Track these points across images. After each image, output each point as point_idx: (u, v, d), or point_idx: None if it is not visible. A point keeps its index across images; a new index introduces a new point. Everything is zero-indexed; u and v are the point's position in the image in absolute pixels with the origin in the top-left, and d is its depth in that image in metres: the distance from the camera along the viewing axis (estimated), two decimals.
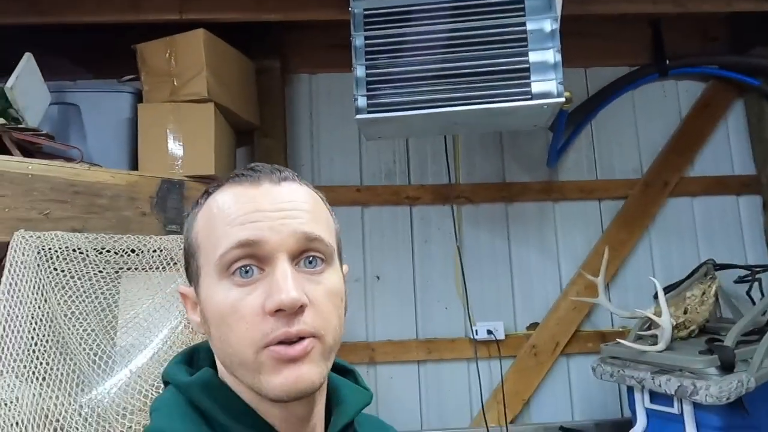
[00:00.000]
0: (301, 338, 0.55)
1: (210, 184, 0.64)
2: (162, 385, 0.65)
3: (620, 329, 2.19)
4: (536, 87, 1.46)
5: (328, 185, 2.24)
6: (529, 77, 1.45)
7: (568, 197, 2.30)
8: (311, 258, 0.58)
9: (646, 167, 2.32)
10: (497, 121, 1.60)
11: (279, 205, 0.58)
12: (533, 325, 2.22)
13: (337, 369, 0.70)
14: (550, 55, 1.47)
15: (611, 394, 2.18)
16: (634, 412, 1.79)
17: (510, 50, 1.47)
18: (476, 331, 2.15)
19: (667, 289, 1.98)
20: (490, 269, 2.25)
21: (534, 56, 1.47)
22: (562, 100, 1.46)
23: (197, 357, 0.65)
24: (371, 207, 2.27)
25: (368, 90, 1.49)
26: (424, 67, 1.50)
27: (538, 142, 2.32)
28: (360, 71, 1.49)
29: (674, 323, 1.74)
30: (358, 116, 1.48)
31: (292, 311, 0.54)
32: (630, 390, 1.81)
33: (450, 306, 2.22)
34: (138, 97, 1.84)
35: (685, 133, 2.33)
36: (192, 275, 0.62)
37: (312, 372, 0.55)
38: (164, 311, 1.44)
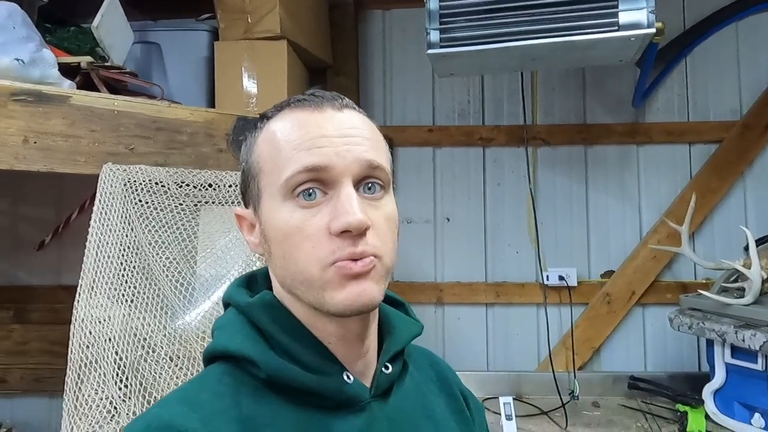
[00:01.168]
0: (364, 258, 0.57)
1: (269, 109, 0.64)
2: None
3: (703, 281, 2.08)
4: (624, 17, 1.34)
5: (400, 125, 2.22)
6: (616, 6, 1.33)
7: (654, 140, 2.15)
8: (371, 184, 0.60)
9: (747, 108, 2.11)
10: (579, 56, 1.49)
11: (343, 131, 0.59)
12: (608, 273, 2.14)
13: (389, 301, 0.72)
14: None
15: (688, 347, 2.09)
16: (712, 366, 1.72)
17: None
18: (547, 276, 2.11)
19: (761, 241, 1.84)
20: (564, 214, 2.18)
21: None
22: (653, 31, 1.33)
23: (255, 282, 0.68)
24: (443, 148, 2.23)
25: (441, 23, 1.42)
26: None
27: (624, 80, 2.16)
28: (433, 3, 1.43)
29: (765, 276, 1.63)
30: (430, 51, 1.43)
31: (358, 232, 0.56)
32: (709, 343, 1.73)
33: (521, 250, 2.18)
34: (215, 35, 1.87)
35: None
36: (252, 197, 0.64)
37: (373, 289, 0.58)
38: (241, 245, 1.50)
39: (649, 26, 1.33)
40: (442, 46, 1.43)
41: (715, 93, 2.14)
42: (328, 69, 2.15)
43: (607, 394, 1.98)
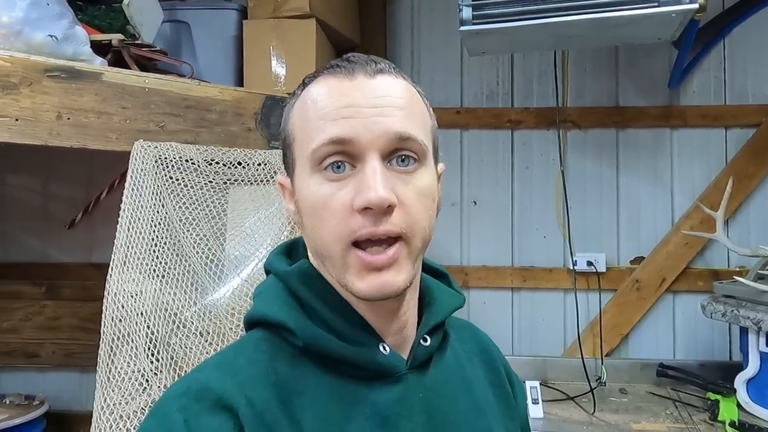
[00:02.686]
0: (388, 238, 0.55)
1: (307, 75, 0.63)
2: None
3: (737, 269, 2.02)
4: None
5: None
6: None
7: (689, 124, 2.09)
8: (403, 156, 0.57)
9: None
10: (616, 33, 1.45)
11: (372, 101, 0.57)
12: (638, 259, 2.10)
13: (432, 272, 0.71)
14: None
15: (719, 335, 2.05)
16: (746, 354, 1.68)
17: None
18: (575, 261, 2.08)
19: None
20: (594, 199, 2.14)
21: None
22: (695, 7, 1.29)
23: (295, 250, 0.68)
24: (471, 130, 2.20)
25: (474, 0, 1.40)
26: None
27: (658, 61, 2.11)
28: None
29: None
30: (462, 28, 1.40)
31: (379, 210, 0.54)
32: (743, 332, 1.69)
33: (549, 235, 2.15)
34: (243, 14, 1.86)
35: None
36: (288, 166, 0.63)
37: (397, 278, 0.56)
38: (270, 223, 1.50)
39: (691, 1, 1.29)
40: (474, 23, 1.40)
41: (754, 75, 2.07)
42: (356, 48, 2.13)
43: (635, 381, 1.96)
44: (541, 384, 1.81)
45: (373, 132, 0.55)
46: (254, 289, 0.66)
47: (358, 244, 0.55)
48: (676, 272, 2.06)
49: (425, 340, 0.64)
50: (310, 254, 0.65)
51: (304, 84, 0.63)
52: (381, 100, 0.57)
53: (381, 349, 0.60)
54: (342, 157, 0.56)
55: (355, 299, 0.60)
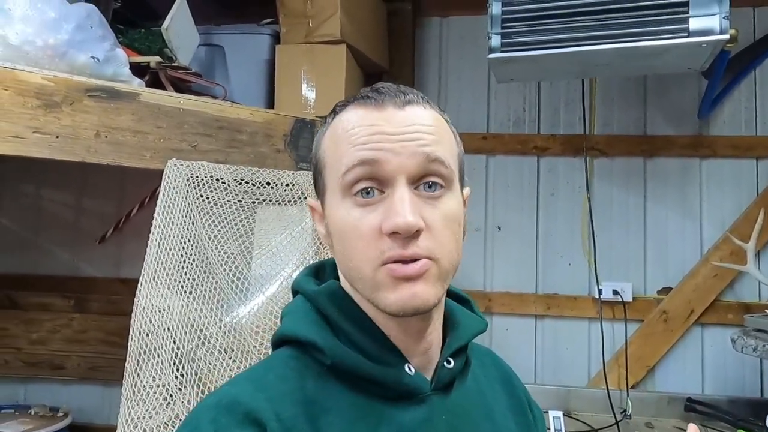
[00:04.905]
0: (415, 260, 0.56)
1: (338, 102, 0.65)
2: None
3: None
4: (695, 23, 1.29)
5: None
6: (687, 11, 1.29)
7: (718, 154, 2.07)
8: (431, 183, 0.59)
9: None
10: (645, 63, 1.45)
11: (401, 129, 0.59)
12: (665, 290, 2.06)
13: (455, 297, 0.72)
14: None
15: (751, 370, 1.99)
16: None
17: None
18: (601, 290, 2.05)
19: None
20: (620, 228, 2.12)
21: None
22: (726, 38, 1.29)
23: (323, 271, 0.70)
24: (497, 156, 2.21)
25: (503, 28, 1.41)
26: (564, 2, 1.39)
27: (687, 90, 2.10)
28: (495, 8, 1.42)
29: None
30: (491, 56, 1.42)
31: (407, 235, 0.56)
32: None
33: (574, 262, 2.13)
34: (276, 39, 1.91)
35: None
36: (319, 191, 0.65)
37: (427, 291, 0.57)
38: (296, 243, 1.52)
39: (722, 32, 1.29)
40: (503, 51, 1.42)
41: None
42: (384, 74, 2.17)
43: (661, 415, 1.90)
44: (564, 414, 1.78)
45: (401, 155, 0.57)
46: (281, 309, 0.67)
47: (387, 264, 0.57)
48: (704, 304, 2.01)
49: (449, 362, 0.65)
50: (340, 275, 0.66)
51: (335, 112, 0.64)
52: (409, 128, 0.59)
53: (406, 369, 0.61)
54: (371, 182, 0.57)
55: (382, 319, 0.62)
